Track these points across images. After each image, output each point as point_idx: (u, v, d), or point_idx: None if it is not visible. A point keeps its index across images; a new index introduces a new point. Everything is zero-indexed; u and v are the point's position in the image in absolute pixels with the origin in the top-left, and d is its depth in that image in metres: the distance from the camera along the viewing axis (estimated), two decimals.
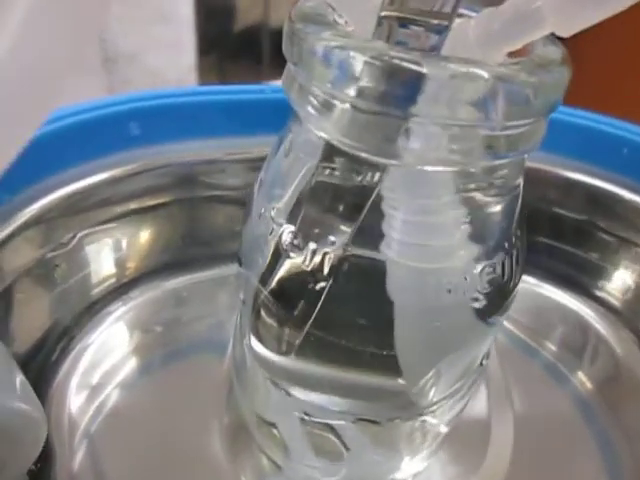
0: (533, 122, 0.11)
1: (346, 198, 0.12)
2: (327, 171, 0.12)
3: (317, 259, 0.12)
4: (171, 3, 0.76)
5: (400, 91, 0.10)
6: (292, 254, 0.12)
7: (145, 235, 0.20)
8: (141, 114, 0.20)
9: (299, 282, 0.12)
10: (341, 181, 0.12)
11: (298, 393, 0.15)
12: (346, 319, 0.13)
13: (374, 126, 0.11)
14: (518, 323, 0.23)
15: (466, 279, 0.12)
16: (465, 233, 0.12)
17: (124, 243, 0.20)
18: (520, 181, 0.13)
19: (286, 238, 0.12)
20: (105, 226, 0.19)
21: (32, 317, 0.18)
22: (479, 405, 0.20)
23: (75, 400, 0.18)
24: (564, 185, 0.22)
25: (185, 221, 0.21)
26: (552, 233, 0.23)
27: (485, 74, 0.10)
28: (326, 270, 0.12)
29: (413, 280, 0.12)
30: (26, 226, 0.18)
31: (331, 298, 0.12)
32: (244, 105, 0.20)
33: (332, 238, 0.12)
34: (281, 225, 0.12)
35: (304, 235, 0.12)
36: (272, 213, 0.12)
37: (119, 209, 0.20)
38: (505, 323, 0.23)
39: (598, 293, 0.23)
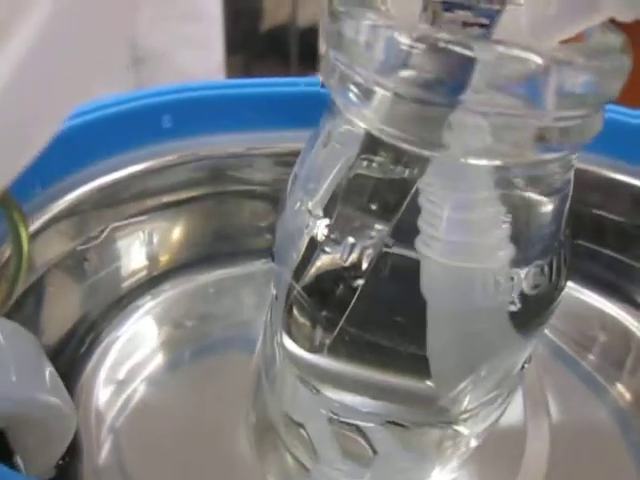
0: (588, 113, 0.11)
1: (385, 192, 0.11)
2: (365, 163, 0.11)
3: (355, 254, 0.11)
4: (199, 3, 0.77)
5: (448, 76, 0.09)
6: (328, 248, 0.12)
7: (176, 229, 0.20)
8: (173, 107, 0.20)
9: (334, 278, 0.12)
10: (380, 174, 0.11)
11: (328, 392, 0.14)
12: (380, 318, 0.12)
13: (418, 115, 0.10)
14: (556, 330, 0.22)
15: (503, 281, 0.12)
16: (505, 233, 0.12)
17: (155, 237, 0.20)
18: (570, 178, 0.12)
19: (322, 232, 0.12)
20: (136, 219, 0.19)
21: (62, 309, 0.18)
22: (514, 414, 0.19)
23: (102, 394, 0.18)
24: (607, 186, 0.21)
25: (217, 216, 0.21)
26: (594, 236, 0.22)
27: (539, 58, 0.10)
28: (364, 266, 0.11)
29: (448, 280, 0.12)
30: (58, 218, 0.18)
31: (366, 295, 0.12)
32: (277, 98, 0.20)
33: (370, 233, 0.11)
34: (318, 218, 0.12)
35: (341, 229, 0.11)
36: (309, 206, 0.12)
37: (150, 202, 0.19)
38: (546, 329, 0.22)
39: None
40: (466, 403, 0.14)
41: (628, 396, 0.20)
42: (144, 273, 0.20)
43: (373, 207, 0.11)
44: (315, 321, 0.13)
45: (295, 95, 0.20)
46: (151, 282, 0.20)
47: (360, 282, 0.11)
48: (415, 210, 0.11)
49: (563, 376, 0.21)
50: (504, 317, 0.12)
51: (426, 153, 0.11)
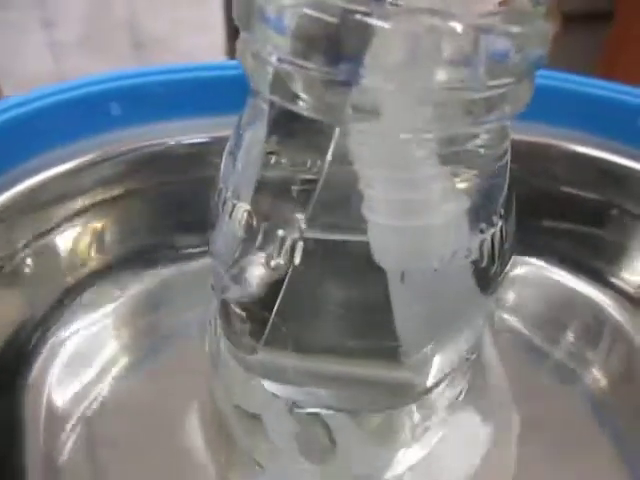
0: (515, 82, 0.10)
1: (300, 177, 0.11)
2: (277, 146, 0.11)
3: (273, 241, 0.11)
4: None
5: (347, 49, 0.09)
6: (246, 235, 0.11)
7: (114, 224, 0.20)
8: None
9: (257, 266, 0.11)
10: (292, 160, 0.11)
11: (272, 387, 0.14)
12: (313, 305, 0.12)
13: (324, 89, 0.09)
14: (526, 312, 0.21)
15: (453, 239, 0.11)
16: (450, 186, 0.11)
17: (95, 233, 0.19)
18: (506, 149, 0.12)
19: (240, 217, 0.11)
20: (75, 216, 0.19)
21: (3, 313, 0.18)
22: (479, 402, 0.19)
23: (53, 391, 0.17)
24: (573, 161, 0.21)
25: (159, 208, 0.20)
26: (562, 214, 0.21)
27: (458, 26, 0.09)
28: (283, 253, 0.11)
29: (398, 242, 0.11)
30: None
31: (294, 284, 0.11)
32: (210, 83, 0.19)
33: (286, 218, 0.11)
34: (236, 204, 0.11)
35: (258, 215, 0.11)
36: (228, 193, 0.11)
37: (89, 198, 0.19)
38: (512, 313, 0.22)
39: (614, 280, 0.22)
40: (429, 374, 0.14)
41: (603, 380, 0.20)
42: (86, 270, 0.19)
43: (290, 193, 0.11)
44: (249, 312, 0.12)
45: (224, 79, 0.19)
46: (94, 278, 0.19)
47: (282, 271, 0.11)
48: (337, 194, 0.11)
49: (533, 358, 0.20)
50: (461, 272, 0.12)
51: (345, 127, 0.10)
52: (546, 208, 0.21)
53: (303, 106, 0.10)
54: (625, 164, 0.20)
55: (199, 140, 0.21)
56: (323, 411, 0.14)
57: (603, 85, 0.20)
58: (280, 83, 0.10)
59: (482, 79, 0.10)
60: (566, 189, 0.21)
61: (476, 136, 0.11)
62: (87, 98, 0.19)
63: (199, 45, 0.77)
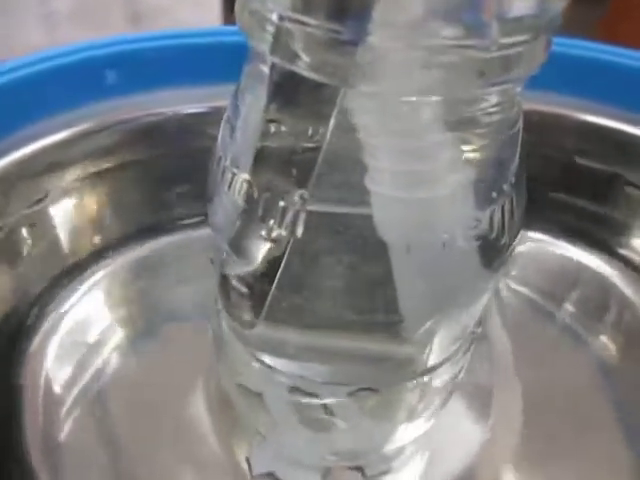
0: (529, 40, 0.09)
1: (302, 145, 0.10)
2: (277, 114, 0.10)
3: (274, 213, 0.10)
4: None
5: (352, 4, 0.08)
6: (246, 206, 0.11)
7: (112, 197, 0.19)
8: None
9: (258, 238, 0.11)
10: (293, 129, 0.10)
11: (271, 362, 0.13)
12: (314, 279, 0.11)
13: (329, 48, 0.09)
14: (532, 284, 0.21)
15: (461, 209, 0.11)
16: (457, 155, 0.10)
17: (91, 206, 0.19)
18: (517, 116, 0.11)
19: (240, 187, 0.11)
20: (72, 187, 0.18)
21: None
22: (482, 373, 0.18)
23: (52, 367, 0.17)
24: (582, 131, 0.20)
25: (158, 180, 0.19)
26: (570, 185, 0.21)
27: None
28: (285, 225, 0.10)
29: (401, 214, 0.11)
30: None
31: (295, 257, 0.11)
32: (208, 50, 0.19)
33: (290, 189, 0.10)
34: (236, 174, 0.11)
35: (258, 185, 0.10)
36: (227, 162, 0.11)
37: (87, 169, 0.18)
38: (519, 285, 0.21)
39: (622, 251, 0.21)
40: (431, 351, 0.13)
41: (611, 350, 0.19)
42: (84, 243, 0.19)
43: (291, 163, 0.10)
44: (249, 285, 0.12)
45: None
46: (92, 252, 0.19)
47: (282, 242, 0.10)
48: (334, 161, 0.10)
49: (541, 331, 0.20)
50: (466, 247, 0.11)
51: (352, 89, 0.10)
52: (553, 179, 0.21)
53: (305, 67, 0.09)
54: (632, 132, 0.19)
55: (197, 110, 0.20)
56: (321, 390, 0.14)
57: (609, 50, 0.20)
58: (281, 43, 0.09)
59: (495, 37, 0.09)
60: (574, 160, 0.21)
61: (486, 100, 0.10)
62: (82, 65, 0.18)
63: (197, 17, 0.76)
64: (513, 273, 0.21)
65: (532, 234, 0.22)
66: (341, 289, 0.12)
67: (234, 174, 0.11)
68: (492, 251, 0.11)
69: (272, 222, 0.10)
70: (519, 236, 0.12)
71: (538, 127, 0.20)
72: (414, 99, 0.10)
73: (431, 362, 0.14)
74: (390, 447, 0.16)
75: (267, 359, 0.14)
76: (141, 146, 0.19)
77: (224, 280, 0.13)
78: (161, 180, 0.19)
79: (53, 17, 0.72)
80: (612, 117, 0.20)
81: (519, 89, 0.11)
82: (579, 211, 0.21)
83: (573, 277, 0.21)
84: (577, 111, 0.20)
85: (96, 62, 0.19)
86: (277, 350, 0.14)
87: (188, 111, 0.19)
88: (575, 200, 0.21)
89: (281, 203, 0.10)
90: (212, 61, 0.19)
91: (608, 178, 0.21)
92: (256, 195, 0.10)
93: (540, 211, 0.21)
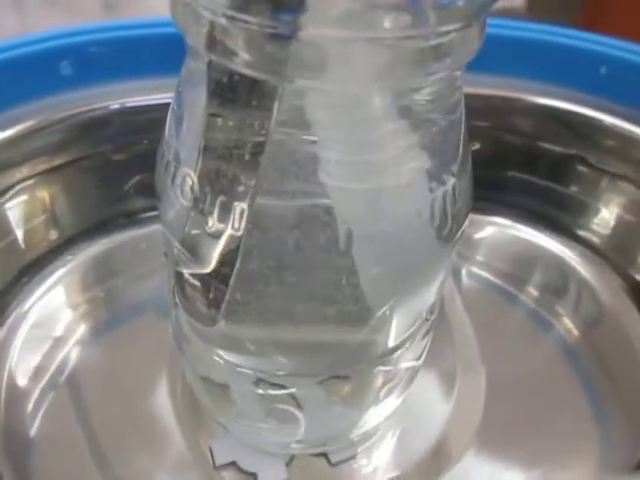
0: (464, 26, 0.09)
1: (248, 140, 0.10)
2: (220, 108, 0.10)
3: (221, 210, 0.10)
4: None
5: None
6: (192, 203, 0.10)
7: (69, 192, 0.19)
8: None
9: (208, 236, 0.11)
10: (237, 123, 0.10)
11: (233, 359, 0.13)
12: (269, 273, 0.11)
13: (266, 44, 0.09)
14: (493, 268, 0.21)
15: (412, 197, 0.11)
16: (410, 143, 0.11)
17: (47, 202, 0.18)
18: (459, 101, 0.11)
19: (183, 183, 0.10)
20: (26, 184, 0.18)
21: None
22: (445, 356, 0.19)
23: (16, 363, 0.17)
24: (535, 113, 0.20)
25: (114, 175, 0.19)
26: (525, 168, 0.21)
27: None
28: (232, 222, 0.10)
29: (360, 204, 0.11)
30: None
31: (248, 253, 0.11)
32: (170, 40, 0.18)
33: (236, 185, 0.10)
34: (177, 168, 0.10)
35: (203, 181, 0.10)
36: (170, 156, 0.11)
37: (42, 164, 0.18)
38: (479, 269, 0.22)
39: (580, 232, 0.22)
40: (390, 334, 0.14)
41: (572, 332, 0.20)
42: (40, 242, 0.19)
43: (235, 158, 0.10)
44: (205, 285, 0.12)
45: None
46: (49, 249, 0.19)
47: (233, 240, 0.10)
48: (280, 155, 0.10)
49: (503, 315, 0.21)
50: (418, 231, 0.11)
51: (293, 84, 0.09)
52: (509, 163, 0.21)
53: (242, 63, 0.09)
54: (588, 114, 0.20)
55: (154, 102, 0.20)
56: (288, 382, 0.14)
57: (564, 33, 0.20)
58: (216, 39, 0.09)
59: (434, 25, 0.09)
60: (529, 142, 0.21)
61: (423, 88, 0.10)
62: (36, 56, 0.18)
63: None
64: (475, 257, 0.22)
65: (493, 218, 0.22)
66: (296, 281, 0.12)
67: (176, 168, 0.11)
68: (439, 238, 0.11)
69: (220, 220, 0.10)
70: (466, 222, 0.12)
71: (496, 111, 0.21)
72: (354, 91, 0.10)
73: (391, 344, 0.14)
74: (357, 432, 0.16)
75: (228, 356, 0.14)
76: (89, 141, 0.19)
77: (179, 277, 0.13)
78: (115, 174, 0.19)
79: (24, 4, 0.69)
80: (568, 99, 0.21)
81: (459, 73, 0.11)
82: (539, 194, 0.22)
83: (534, 260, 0.21)
84: (534, 94, 0.20)
85: (49, 54, 0.18)
86: (237, 346, 0.14)
87: (137, 104, 0.19)
88: (534, 183, 0.22)
89: (226, 199, 0.10)
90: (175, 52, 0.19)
91: (566, 160, 0.21)
92: (200, 191, 0.10)
93: (500, 195, 0.21)
